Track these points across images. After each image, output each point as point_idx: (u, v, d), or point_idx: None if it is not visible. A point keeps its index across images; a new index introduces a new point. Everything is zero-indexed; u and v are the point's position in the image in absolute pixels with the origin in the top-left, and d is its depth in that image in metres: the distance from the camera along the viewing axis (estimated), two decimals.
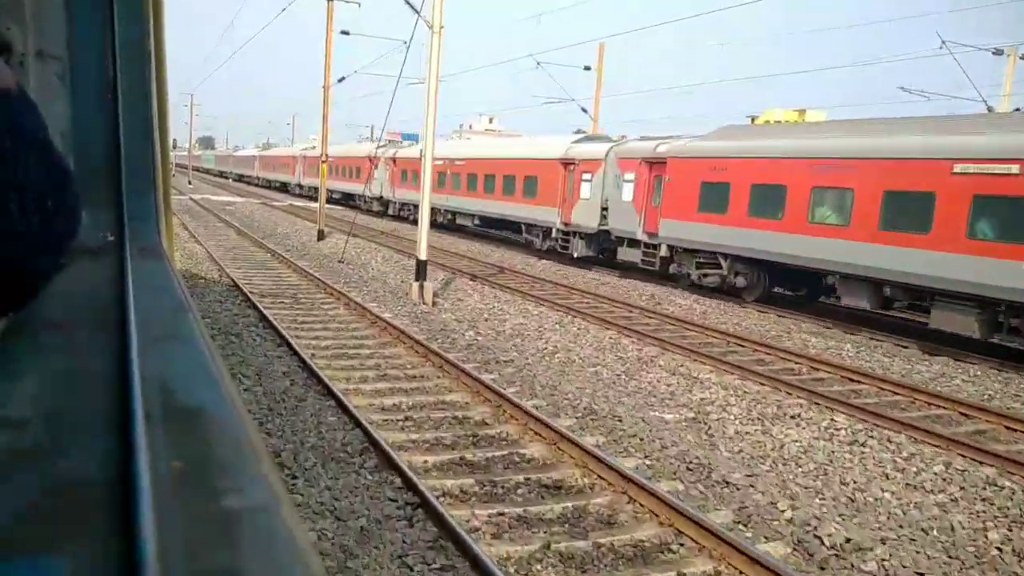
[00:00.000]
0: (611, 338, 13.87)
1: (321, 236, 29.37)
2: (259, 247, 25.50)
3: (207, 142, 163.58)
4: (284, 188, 65.49)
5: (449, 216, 34.50)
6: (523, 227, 28.83)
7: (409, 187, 37.58)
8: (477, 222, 32.98)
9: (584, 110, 32.90)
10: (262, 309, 14.21)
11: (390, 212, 41.60)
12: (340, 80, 28.93)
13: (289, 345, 11.63)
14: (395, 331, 13.21)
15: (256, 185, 75.66)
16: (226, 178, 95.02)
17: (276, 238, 28.91)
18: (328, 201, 49.37)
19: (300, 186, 58.89)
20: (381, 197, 41.99)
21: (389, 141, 46.08)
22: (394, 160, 39.84)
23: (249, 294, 15.81)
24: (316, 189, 51.73)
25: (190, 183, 71.48)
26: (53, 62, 1.48)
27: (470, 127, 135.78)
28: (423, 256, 17.63)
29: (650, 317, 16.59)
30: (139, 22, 1.57)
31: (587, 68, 32.84)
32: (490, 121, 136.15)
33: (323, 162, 29.41)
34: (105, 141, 1.50)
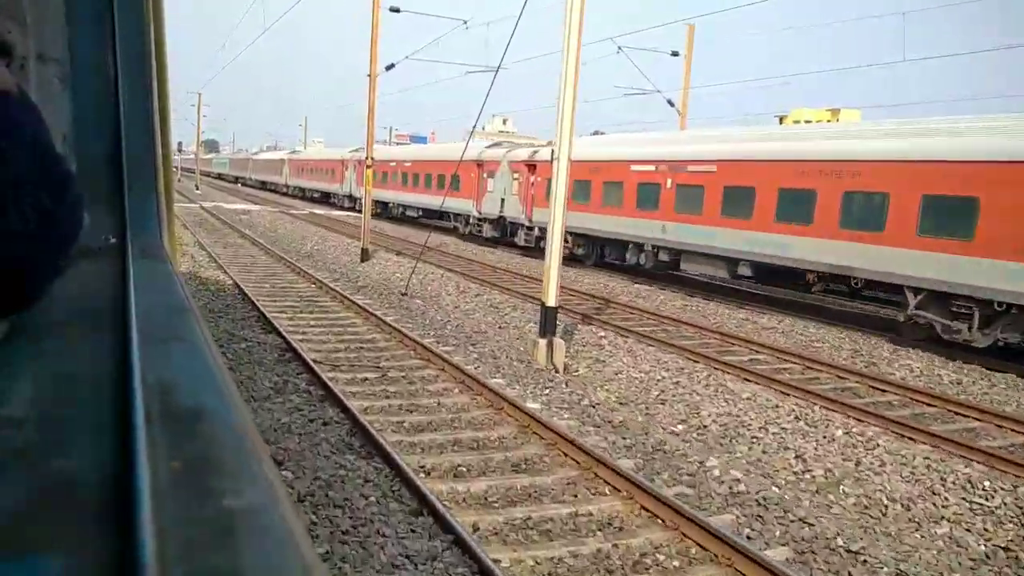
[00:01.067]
0: (927, 459, 8.43)
1: (365, 256, 24.05)
2: (297, 273, 20.14)
3: (211, 145, 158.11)
4: (325, 200, 53.47)
5: (697, 259, 20.12)
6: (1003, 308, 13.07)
7: (573, 207, 20.79)
8: (816, 281, 17.29)
9: (671, 103, 27.59)
10: (345, 402, 8.86)
11: (521, 241, 27.89)
12: (389, 67, 23.64)
13: (425, 502, 6.29)
14: (571, 448, 7.87)
15: (283, 194, 64.92)
16: (237, 183, 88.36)
17: (312, 259, 23.54)
18: (397, 219, 39.89)
19: (352, 198, 45.42)
20: (501, 218, 29.16)
21: (498, 141, 34.91)
22: (531, 166, 26.98)
23: (313, 364, 10.48)
24: (378, 203, 39.48)
25: (198, 188, 65.71)
26: (54, 64, 1.44)
27: (483, 129, 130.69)
28: (552, 301, 12.28)
29: (899, 394, 11.25)
30: (140, 23, 1.52)
31: (675, 54, 27.54)
32: (504, 123, 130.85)
33: (368, 167, 24.02)
34: (106, 143, 1.46)
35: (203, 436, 0.57)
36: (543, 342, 12.12)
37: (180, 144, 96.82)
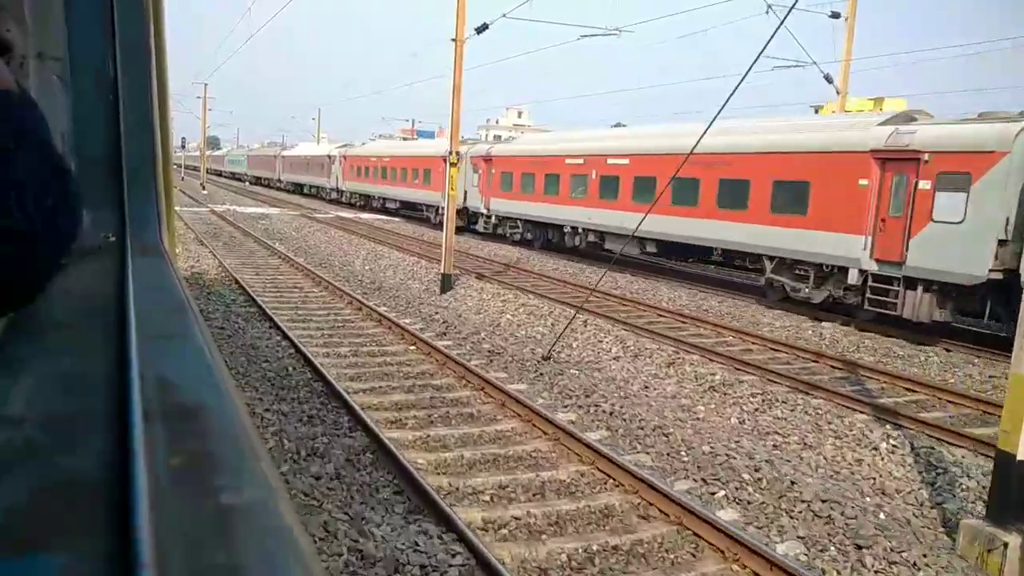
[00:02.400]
0: None
1: (447, 284, 17.51)
2: (377, 321, 13.51)
3: (212, 142, 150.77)
4: (407, 212, 38.88)
5: None
6: None
7: None
8: None
9: (828, 79, 21.02)
10: None
11: None
12: (480, 29, 17.04)
13: None
14: None
15: (332, 201, 49.17)
16: (241, 180, 79.70)
17: (382, 292, 16.90)
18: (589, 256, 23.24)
19: (488, 218, 29.06)
20: None
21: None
22: None
23: None
24: (509, 224, 26.97)
25: (204, 188, 58.50)
26: (54, 63, 1.39)
27: (496, 122, 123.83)
28: None
29: None
30: (139, 21, 1.49)
31: (835, 15, 21.02)
32: (519, 115, 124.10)
33: (452, 164, 17.37)
34: (106, 141, 1.43)
35: (201, 433, 0.56)
36: (1011, 540, 5.58)
37: (184, 140, 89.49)
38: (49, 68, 1.38)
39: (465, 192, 28.98)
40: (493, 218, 28.71)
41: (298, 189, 59.09)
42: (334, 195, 49.62)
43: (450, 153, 17.37)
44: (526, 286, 17.92)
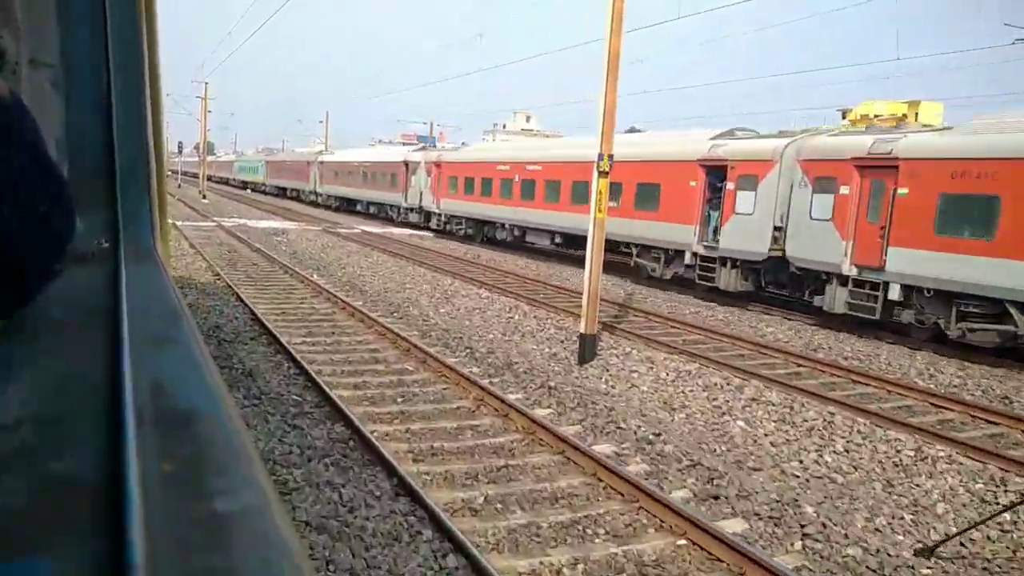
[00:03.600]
0: None
1: (587, 351, 11.68)
2: (547, 445, 7.64)
3: (206, 147, 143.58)
4: (560, 251, 25.55)
5: None
6: None
7: None
8: None
9: None
10: None
11: None
12: None
13: None
14: None
15: (403, 223, 35.96)
16: (246, 189, 72.45)
17: (513, 370, 10.98)
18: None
19: (806, 272, 15.39)
20: None
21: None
22: None
23: None
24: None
25: (204, 197, 51.98)
26: (46, 69, 1.38)
27: (503, 127, 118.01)
28: None
29: None
30: (133, 27, 1.46)
31: None
32: (527, 120, 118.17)
33: (601, 172, 11.48)
34: (99, 147, 1.39)
35: (194, 438, 0.55)
36: None
37: (180, 144, 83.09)
38: (42, 74, 1.36)
39: (783, 229, 15.88)
40: (896, 289, 13.60)
41: (346, 205, 43.96)
42: (414, 217, 34.88)
43: (601, 158, 11.49)
44: (707, 351, 12.16)
